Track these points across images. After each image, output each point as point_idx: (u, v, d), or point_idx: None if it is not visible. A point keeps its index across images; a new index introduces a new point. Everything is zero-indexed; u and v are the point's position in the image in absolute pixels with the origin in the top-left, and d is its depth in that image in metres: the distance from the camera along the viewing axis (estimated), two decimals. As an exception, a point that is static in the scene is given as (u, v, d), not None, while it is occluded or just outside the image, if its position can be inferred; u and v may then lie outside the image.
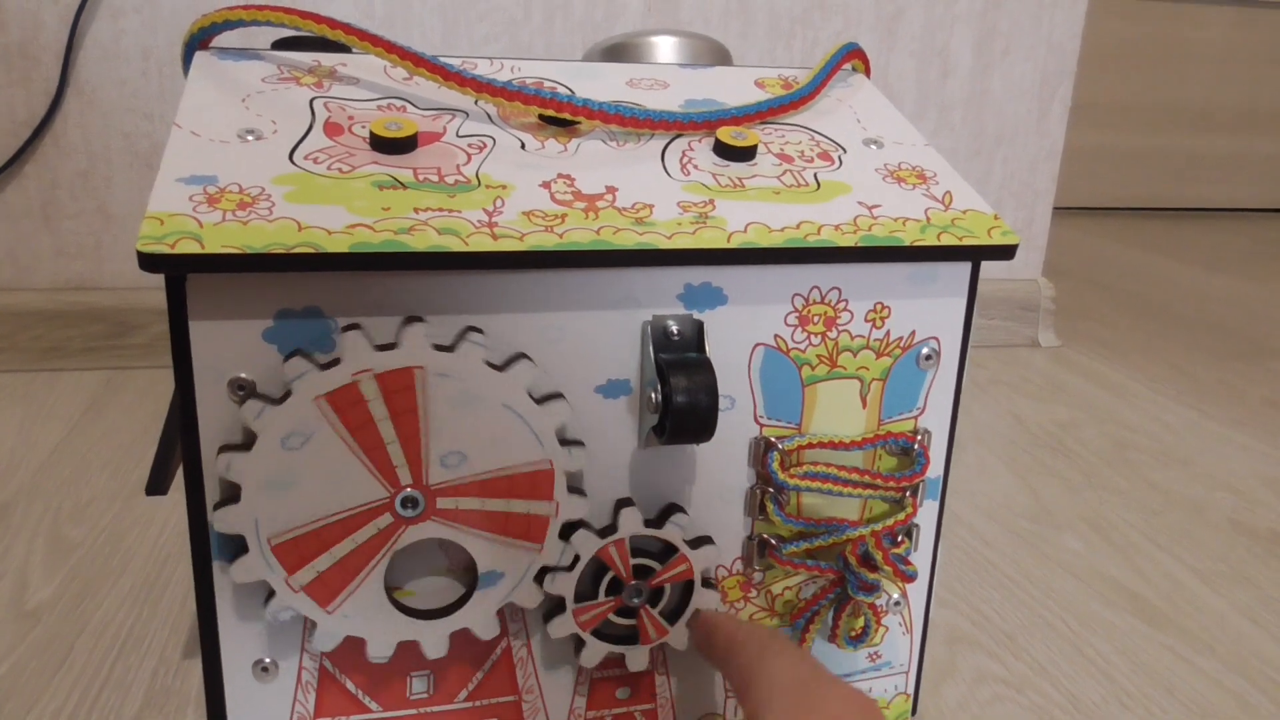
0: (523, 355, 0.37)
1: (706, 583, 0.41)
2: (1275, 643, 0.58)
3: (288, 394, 0.35)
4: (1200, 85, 2.08)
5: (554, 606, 0.41)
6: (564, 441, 0.38)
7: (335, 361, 0.35)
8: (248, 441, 0.35)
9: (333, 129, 0.39)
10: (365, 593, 0.38)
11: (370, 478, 0.36)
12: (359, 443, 0.36)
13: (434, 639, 0.39)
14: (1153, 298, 1.41)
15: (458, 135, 0.41)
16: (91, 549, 0.62)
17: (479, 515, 0.38)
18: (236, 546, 0.36)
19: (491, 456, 0.37)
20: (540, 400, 0.37)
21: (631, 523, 0.40)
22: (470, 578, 0.39)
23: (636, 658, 0.42)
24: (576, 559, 0.40)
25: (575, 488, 0.39)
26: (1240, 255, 1.73)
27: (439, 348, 0.36)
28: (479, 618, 0.39)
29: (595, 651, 0.41)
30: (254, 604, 0.38)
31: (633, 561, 0.40)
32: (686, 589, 0.41)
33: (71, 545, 0.62)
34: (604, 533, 0.40)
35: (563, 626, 0.41)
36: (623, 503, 0.40)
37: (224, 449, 0.35)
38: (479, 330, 0.36)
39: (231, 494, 0.36)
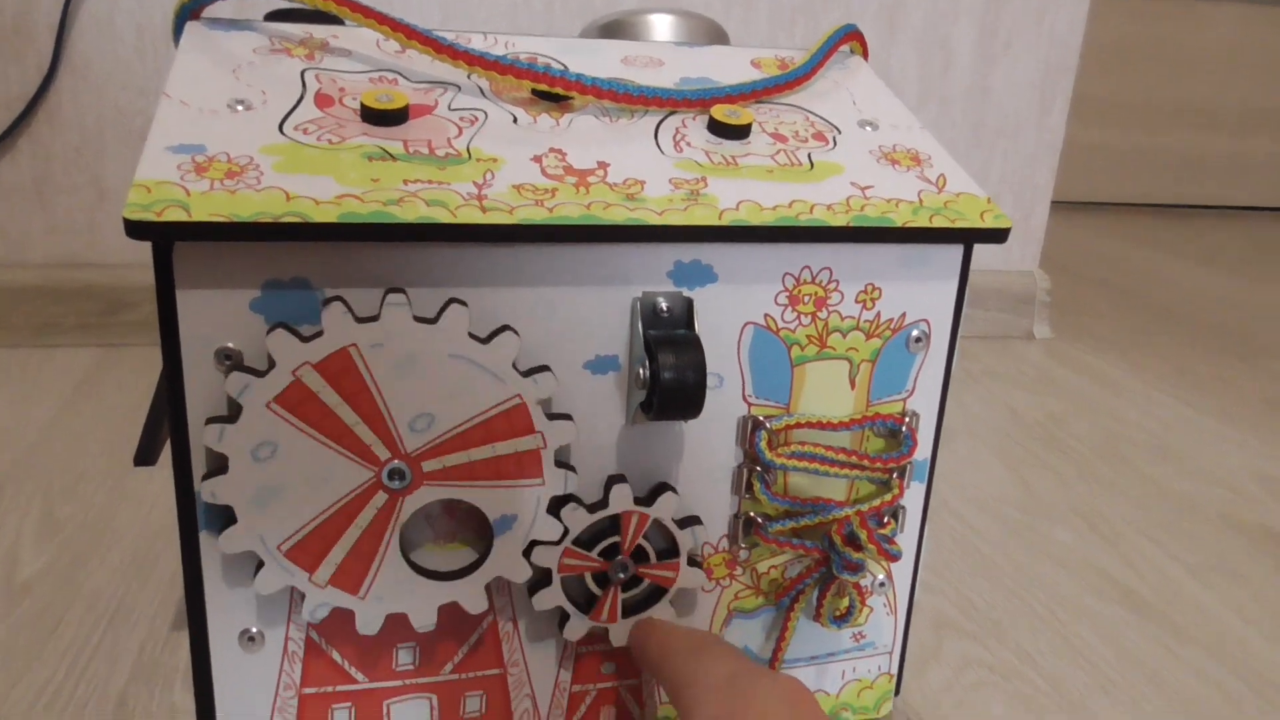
0: (455, 300, 0.36)
1: (685, 522, 0.41)
2: (1260, 635, 0.58)
3: (240, 410, 0.35)
4: (1203, 84, 2.08)
5: (540, 579, 0.41)
6: (527, 373, 0.38)
7: (272, 366, 0.35)
8: (232, 413, 0.35)
9: (323, 100, 0.39)
10: (389, 570, 0.38)
11: (350, 463, 0.36)
12: (325, 433, 0.36)
13: (472, 594, 0.39)
14: (1150, 294, 1.41)
15: (449, 109, 0.41)
16: (82, 524, 0.62)
17: (469, 468, 0.38)
18: (224, 517, 0.36)
19: (457, 409, 0.37)
20: (526, 373, 0.37)
21: (622, 500, 0.40)
22: (475, 540, 0.39)
23: (619, 633, 0.42)
24: (566, 533, 0.40)
25: (563, 462, 0.39)
26: (1239, 254, 1.73)
27: (362, 320, 0.35)
28: (507, 563, 0.39)
29: (579, 626, 0.41)
30: (241, 574, 0.38)
31: (597, 550, 0.40)
32: (656, 594, 0.42)
33: (62, 521, 0.62)
34: (593, 508, 0.40)
35: (548, 599, 0.41)
36: (615, 479, 0.40)
37: (211, 420, 0.35)
38: (400, 291, 0.36)
39: (219, 465, 0.36)
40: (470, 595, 0.39)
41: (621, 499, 0.40)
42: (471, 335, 0.36)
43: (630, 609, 0.42)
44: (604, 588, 0.41)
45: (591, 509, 0.40)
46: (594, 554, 0.40)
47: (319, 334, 0.35)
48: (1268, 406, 0.98)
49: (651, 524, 0.41)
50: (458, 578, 0.39)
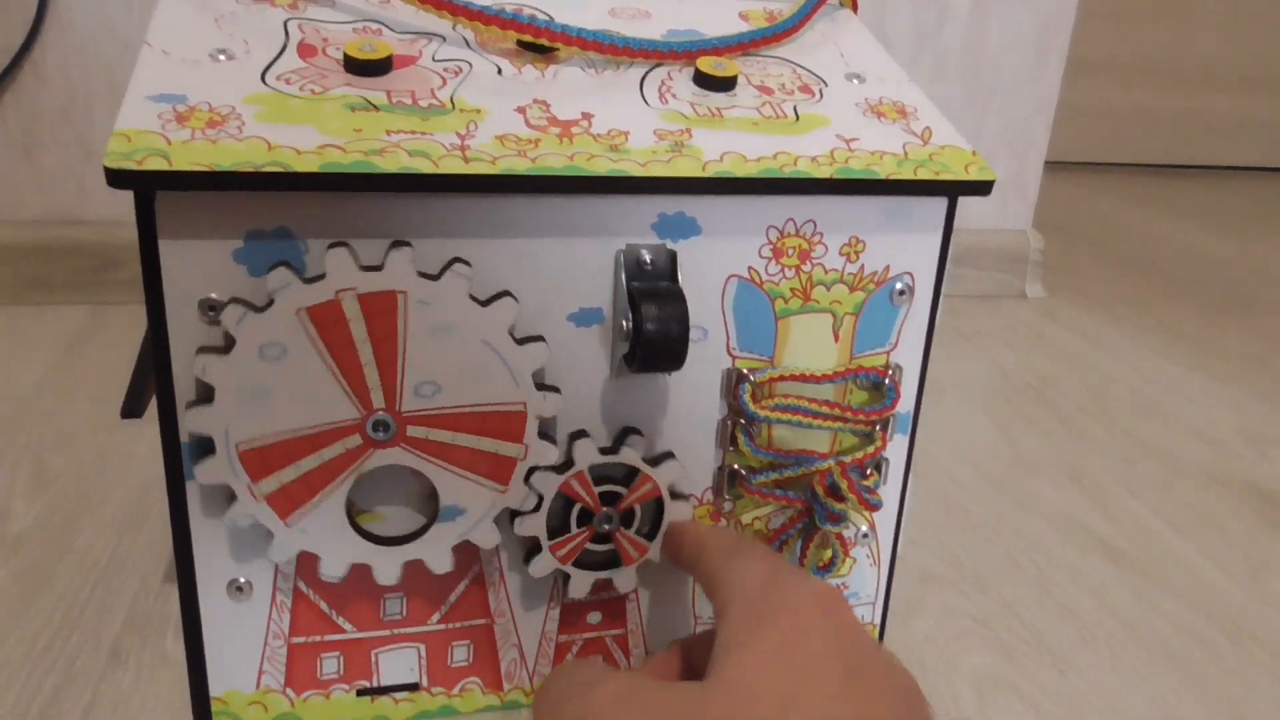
0: (507, 293, 0.37)
1: (676, 495, 0.42)
2: (1239, 586, 0.59)
3: (270, 303, 0.35)
4: (1203, 43, 2.06)
5: (531, 547, 0.41)
6: (540, 386, 0.38)
7: (320, 276, 0.35)
8: (226, 346, 0.35)
9: (306, 50, 0.39)
10: (325, 511, 0.38)
11: (344, 397, 0.36)
12: (336, 361, 0.36)
13: (387, 566, 0.39)
14: (1143, 254, 1.41)
15: (433, 59, 0.40)
16: (74, 478, 0.62)
17: (447, 448, 0.38)
18: (206, 451, 0.37)
19: (466, 391, 0.37)
20: (521, 341, 0.37)
21: (586, 454, 0.40)
22: (433, 510, 0.40)
23: (624, 579, 0.42)
24: (541, 499, 0.40)
25: (546, 434, 0.39)
26: (1236, 214, 1.73)
27: (424, 275, 0.36)
28: (433, 551, 0.40)
29: (582, 581, 0.42)
30: (242, 536, 0.39)
31: (599, 489, 0.41)
32: (657, 506, 0.42)
33: (54, 474, 0.63)
34: (562, 469, 0.40)
35: (543, 565, 0.41)
36: (575, 435, 0.40)
37: (202, 350, 0.35)
38: (465, 262, 0.36)
39: (205, 395, 0.36)
40: (435, 555, 0.40)
41: (585, 453, 0.40)
42: (472, 297, 0.36)
43: (648, 532, 0.42)
44: (609, 541, 0.41)
45: (560, 469, 0.40)
46: (575, 531, 0.41)
47: (377, 267, 0.35)
48: (1255, 363, 0.98)
49: (591, 469, 0.41)
50: (382, 544, 0.39)
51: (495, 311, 0.37)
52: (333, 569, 0.39)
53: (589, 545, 0.41)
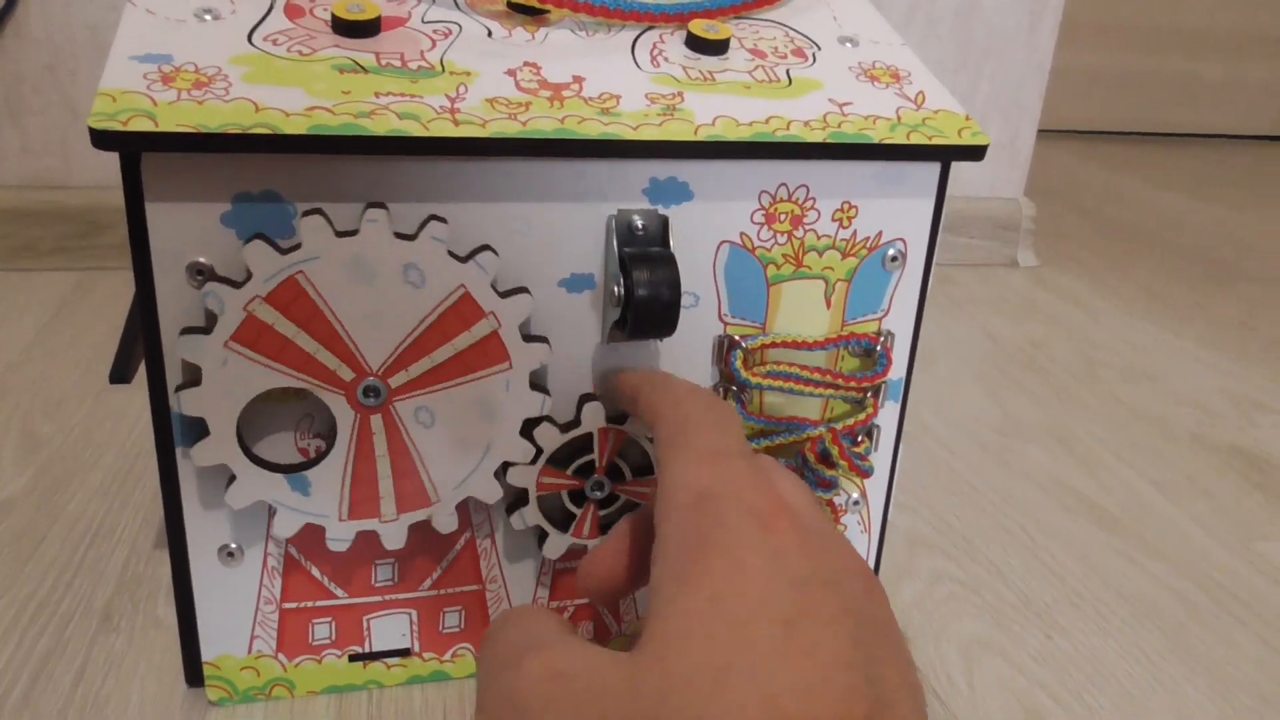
0: (487, 246, 0.37)
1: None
2: (1225, 549, 0.59)
3: (248, 277, 0.34)
4: (1196, 7, 2.05)
5: (516, 499, 0.41)
6: (527, 338, 0.38)
7: (296, 246, 0.34)
8: (208, 324, 0.35)
9: (293, 11, 0.39)
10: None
11: (329, 368, 0.36)
12: (313, 333, 0.35)
13: (394, 531, 0.40)
14: (1135, 222, 1.41)
15: (423, 21, 0.40)
16: (63, 444, 0.62)
17: (433, 373, 0.38)
18: (199, 430, 0.37)
19: (452, 348, 0.37)
20: (505, 294, 0.37)
21: (594, 418, 0.40)
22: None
23: None
24: (540, 452, 0.40)
25: (538, 385, 0.39)
26: (1228, 182, 1.73)
27: (401, 235, 0.35)
28: (439, 512, 0.40)
29: (558, 544, 0.42)
30: (218, 490, 0.38)
31: (572, 468, 0.41)
32: (634, 446, 0.42)
33: (43, 440, 0.63)
34: (566, 427, 0.40)
35: (526, 518, 0.41)
36: (586, 397, 0.40)
37: (185, 331, 0.35)
38: (441, 219, 0.36)
39: (193, 377, 0.36)
40: (441, 516, 0.40)
41: (594, 417, 0.40)
42: (451, 254, 0.36)
43: (607, 526, 0.42)
44: (581, 505, 0.42)
45: (564, 428, 0.40)
46: (569, 472, 0.41)
47: (354, 232, 0.35)
48: (1243, 330, 0.99)
49: (627, 442, 0.41)
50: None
51: (510, 305, 0.37)
52: (285, 526, 0.39)
53: (564, 496, 0.41)
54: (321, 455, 0.38)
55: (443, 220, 0.36)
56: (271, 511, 0.39)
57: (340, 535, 0.39)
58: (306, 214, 0.34)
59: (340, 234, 0.34)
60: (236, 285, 0.34)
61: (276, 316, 0.35)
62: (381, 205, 0.35)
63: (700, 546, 0.27)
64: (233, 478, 0.37)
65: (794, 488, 0.30)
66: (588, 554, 0.34)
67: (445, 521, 0.40)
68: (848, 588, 0.27)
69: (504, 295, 0.37)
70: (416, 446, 0.38)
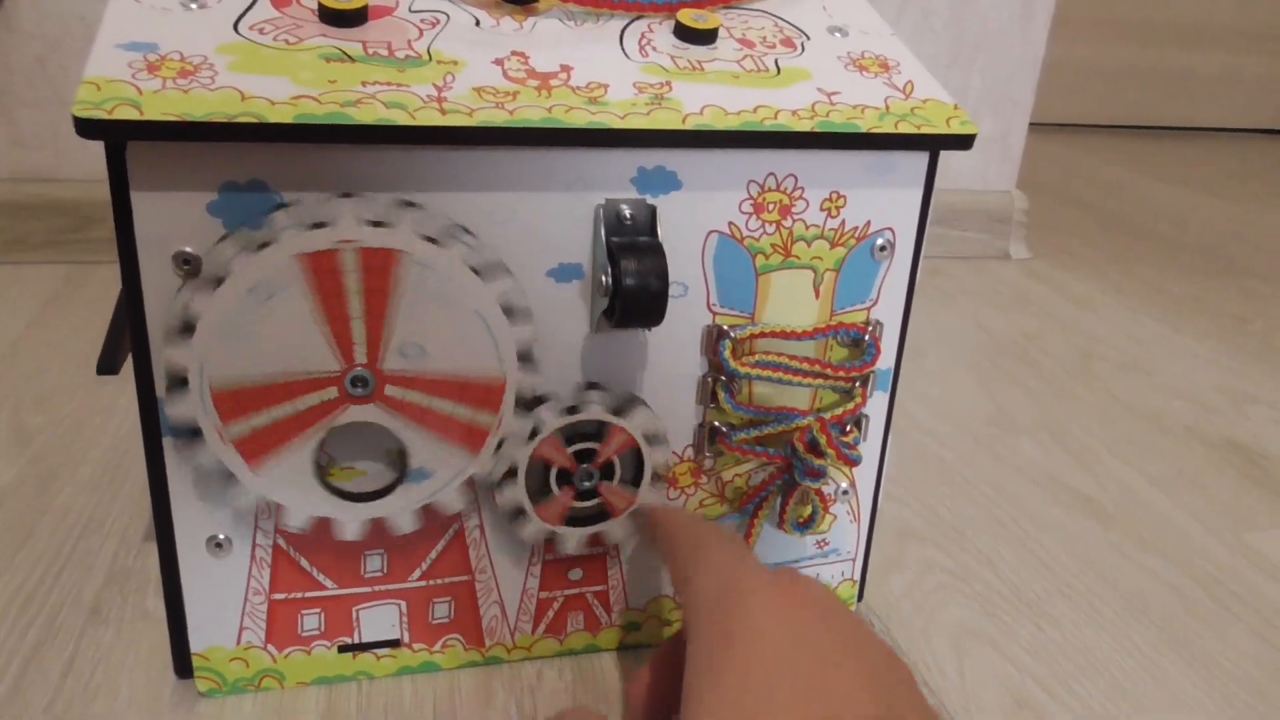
0: (504, 266, 0.37)
1: (654, 440, 0.42)
2: (1218, 542, 0.60)
3: (266, 244, 0.34)
4: (1190, 1, 2.05)
5: (516, 512, 0.41)
6: (524, 360, 0.38)
7: (323, 224, 0.34)
8: (216, 281, 0.35)
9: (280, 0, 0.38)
10: (293, 460, 0.38)
11: (327, 349, 0.36)
12: (325, 311, 0.35)
13: (351, 521, 0.39)
14: (1129, 215, 1.41)
15: (410, 10, 0.40)
16: (53, 437, 0.62)
17: (423, 411, 0.38)
18: (179, 386, 0.36)
19: (450, 358, 0.37)
20: (511, 315, 0.37)
21: (551, 416, 0.40)
22: (404, 470, 0.39)
23: (614, 531, 0.43)
24: (513, 468, 0.40)
25: (523, 406, 0.39)
26: (1222, 175, 1.73)
27: (427, 239, 0.35)
28: (397, 511, 0.40)
29: (572, 539, 0.42)
30: (206, 480, 0.38)
31: (575, 448, 0.41)
32: (636, 455, 0.42)
33: (33, 432, 0.62)
34: (532, 435, 0.40)
35: (532, 531, 0.41)
36: (536, 400, 0.40)
37: (187, 284, 0.35)
38: (469, 230, 0.36)
39: (185, 329, 0.35)
40: (398, 515, 0.40)
41: (549, 416, 0.40)
42: (471, 268, 0.36)
43: (575, 518, 0.42)
44: (562, 487, 0.42)
45: (568, 411, 0.40)
46: (557, 493, 0.41)
47: (383, 224, 0.35)
48: (1236, 323, 0.99)
49: (562, 431, 0.41)
50: (347, 499, 0.39)
51: (490, 283, 0.36)
52: (296, 520, 0.39)
53: (575, 503, 0.42)
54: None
55: (415, 205, 0.36)
56: (273, 506, 0.39)
57: (351, 525, 0.39)
58: (275, 209, 0.34)
59: (311, 225, 0.34)
60: (213, 287, 0.34)
61: (356, 269, 0.35)
62: (349, 195, 0.35)
63: (725, 639, 0.30)
64: (231, 477, 0.37)
65: (813, 583, 0.33)
66: (630, 681, 0.37)
67: (453, 501, 0.40)
68: (869, 656, 0.30)
69: (483, 275, 0.37)
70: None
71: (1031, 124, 1.13)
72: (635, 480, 0.42)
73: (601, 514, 0.42)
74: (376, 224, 0.35)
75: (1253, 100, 2.16)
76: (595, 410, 0.40)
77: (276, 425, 0.37)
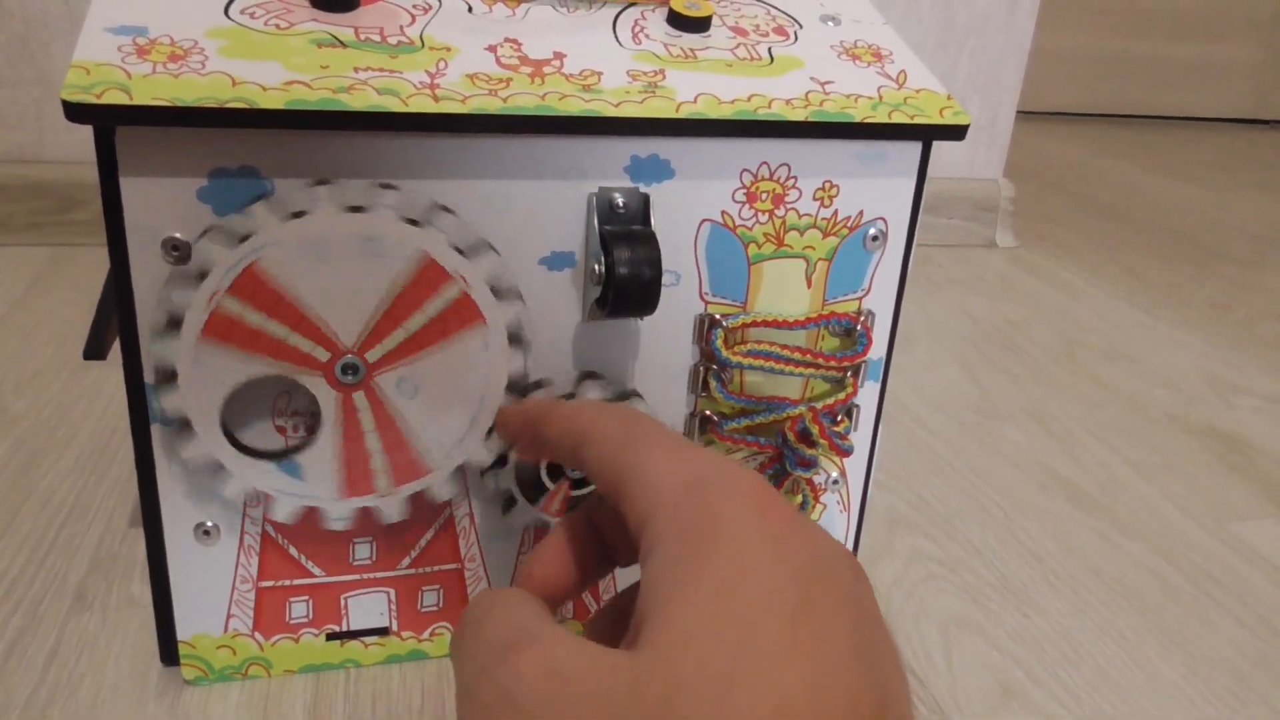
0: (489, 245, 0.37)
1: None
2: (1200, 529, 0.60)
3: (245, 237, 0.34)
4: (1173, -11, 2.05)
5: (507, 500, 0.41)
6: (513, 341, 0.38)
7: (301, 213, 0.34)
8: (198, 277, 0.34)
9: (270, -17, 0.38)
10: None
11: (313, 338, 0.36)
12: (282, 320, 0.35)
13: (338, 510, 0.39)
14: (1113, 203, 1.41)
15: (402, -5, 0.39)
16: (37, 420, 0.62)
17: (408, 343, 0.37)
18: (166, 378, 0.36)
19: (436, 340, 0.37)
20: (499, 296, 0.37)
21: (592, 394, 0.40)
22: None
23: None
24: (505, 455, 0.40)
25: (517, 339, 0.39)
26: (1204, 164, 1.74)
27: (408, 220, 0.35)
28: (386, 500, 0.40)
29: (523, 514, 0.42)
30: (194, 468, 0.38)
31: None
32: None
33: (16, 416, 0.62)
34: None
35: (500, 480, 0.41)
36: (535, 385, 0.40)
37: (172, 280, 0.35)
38: (451, 211, 0.36)
39: (172, 324, 0.35)
40: (438, 484, 0.40)
41: (591, 394, 0.40)
42: (407, 220, 0.35)
43: (576, 506, 0.42)
44: (555, 480, 0.41)
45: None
46: (552, 486, 0.41)
47: (249, 235, 0.34)
48: (1217, 310, 0.99)
49: None
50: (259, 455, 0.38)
51: (476, 263, 0.36)
52: (284, 511, 0.39)
53: (575, 492, 0.41)
54: (308, 436, 0.38)
55: (395, 188, 0.35)
56: (262, 495, 0.38)
57: (339, 514, 0.39)
58: (254, 200, 0.34)
59: (290, 216, 0.34)
60: (196, 282, 0.34)
61: (242, 307, 0.34)
62: (326, 182, 0.35)
63: (700, 538, 0.26)
64: (221, 468, 0.37)
65: (762, 479, 0.29)
66: (529, 556, 0.33)
67: (443, 489, 0.40)
68: (842, 574, 0.27)
69: (467, 255, 0.36)
70: (404, 418, 0.38)
71: (1017, 112, 1.13)
72: None
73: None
74: (355, 209, 0.35)
75: (1234, 89, 2.17)
76: (593, 399, 0.40)
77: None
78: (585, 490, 0.42)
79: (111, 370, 0.67)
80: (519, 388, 0.39)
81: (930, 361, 0.82)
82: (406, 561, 0.42)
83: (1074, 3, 1.97)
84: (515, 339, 0.38)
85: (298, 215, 0.34)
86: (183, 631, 0.41)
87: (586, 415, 0.32)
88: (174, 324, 0.35)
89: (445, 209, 0.36)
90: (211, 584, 0.41)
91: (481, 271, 0.37)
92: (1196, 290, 1.05)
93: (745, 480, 0.28)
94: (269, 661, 0.43)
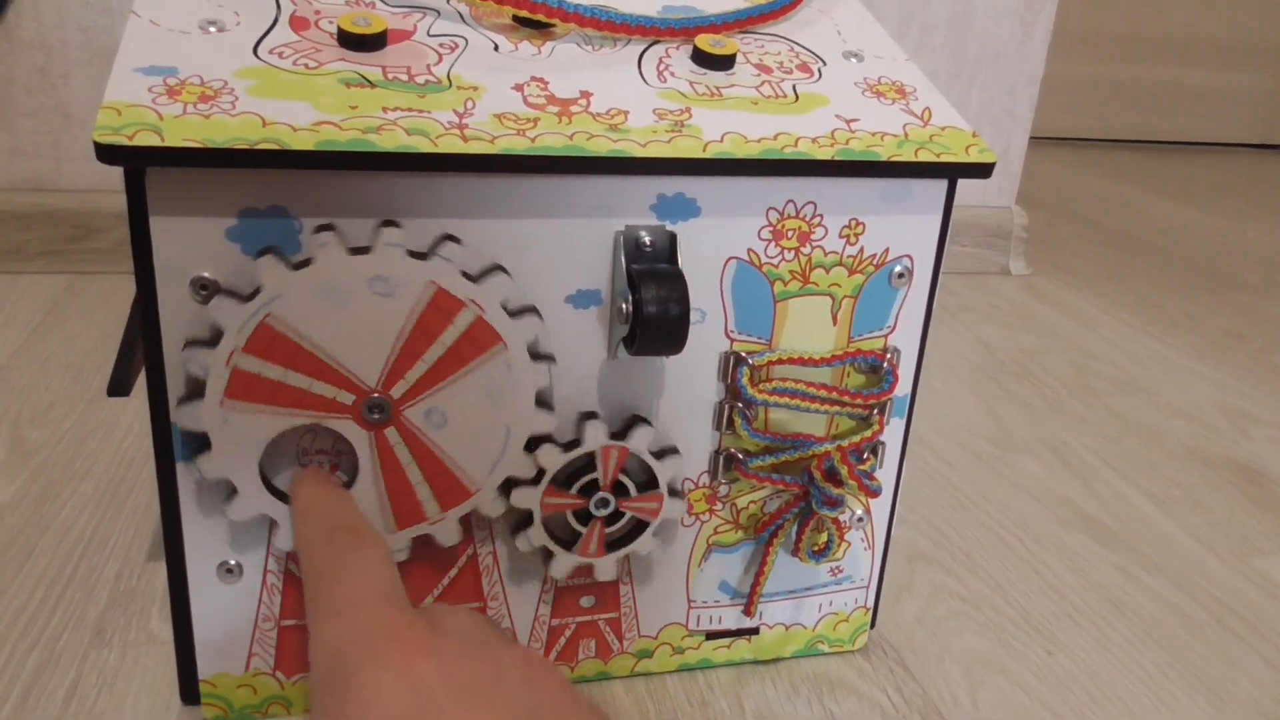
0: (499, 267, 0.36)
1: (663, 454, 0.41)
2: (1221, 563, 0.60)
3: (256, 291, 0.34)
4: (1182, 16, 2.06)
5: (521, 520, 0.41)
6: (535, 357, 0.38)
7: (307, 262, 0.34)
8: (213, 338, 0.34)
9: (299, 23, 0.38)
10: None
11: (336, 382, 0.36)
12: (323, 348, 0.35)
13: (398, 542, 0.39)
14: (1125, 230, 1.41)
15: (428, 34, 0.39)
16: (53, 452, 0.61)
17: (443, 397, 0.37)
18: (199, 444, 0.36)
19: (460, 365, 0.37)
20: (514, 314, 0.37)
21: (596, 436, 0.40)
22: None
23: (605, 568, 0.42)
24: (542, 472, 0.40)
25: (543, 402, 0.39)
26: (1215, 190, 1.74)
27: (413, 254, 0.35)
28: (483, 499, 0.39)
29: (565, 563, 0.42)
30: (218, 505, 0.38)
31: (575, 488, 0.40)
32: (639, 527, 0.42)
33: (33, 448, 0.62)
34: (569, 446, 0.40)
35: (531, 539, 0.41)
36: (587, 415, 0.40)
37: (189, 344, 0.35)
38: (455, 239, 0.36)
39: (195, 390, 0.35)
40: (486, 501, 0.39)
41: (595, 435, 0.39)
42: (411, 254, 0.35)
43: (614, 543, 0.42)
44: (586, 524, 0.41)
45: (567, 447, 0.40)
46: (573, 491, 0.40)
47: (366, 249, 0.34)
48: (1233, 339, 0.99)
49: (631, 458, 0.41)
50: None
51: (487, 286, 0.36)
52: (398, 548, 0.39)
53: (569, 515, 0.41)
54: (348, 482, 0.38)
55: (396, 225, 0.35)
56: (272, 527, 0.38)
57: (397, 546, 0.39)
58: (260, 254, 0.34)
59: (295, 266, 0.34)
60: (212, 345, 0.34)
61: (260, 364, 0.34)
62: (329, 227, 0.35)
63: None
64: (233, 491, 0.37)
65: (449, 614, 0.31)
66: None
67: (493, 506, 0.40)
68: (503, 693, 0.28)
69: (477, 280, 0.36)
70: (439, 446, 0.38)
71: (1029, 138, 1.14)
72: (650, 484, 0.42)
73: (640, 526, 0.42)
74: (359, 250, 0.35)
75: (1246, 115, 2.17)
76: (595, 440, 0.40)
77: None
78: (618, 524, 0.42)
79: (128, 402, 0.67)
80: (546, 402, 0.39)
81: (946, 391, 0.82)
82: (429, 599, 0.42)
83: (1086, 30, 1.97)
84: (536, 354, 0.38)
85: (304, 264, 0.34)
86: (204, 670, 0.41)
87: (304, 539, 0.34)
88: (197, 390, 0.35)
89: (450, 237, 0.36)
90: (234, 623, 0.40)
91: (494, 294, 0.36)
92: (1210, 319, 1.05)
93: (393, 640, 0.28)
94: (290, 700, 0.42)
